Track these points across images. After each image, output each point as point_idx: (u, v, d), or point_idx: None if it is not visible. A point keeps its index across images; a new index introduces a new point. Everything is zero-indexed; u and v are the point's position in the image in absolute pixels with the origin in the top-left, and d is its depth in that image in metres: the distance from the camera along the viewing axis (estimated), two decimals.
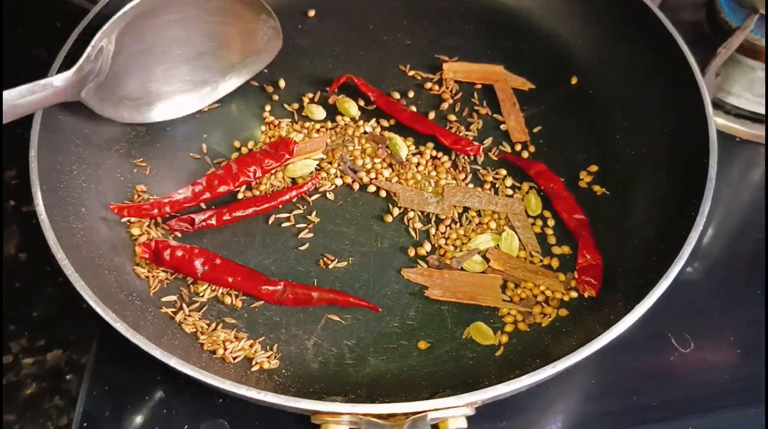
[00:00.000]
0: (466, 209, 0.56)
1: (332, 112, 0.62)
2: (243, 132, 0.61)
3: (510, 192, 0.57)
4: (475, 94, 0.63)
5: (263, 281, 0.51)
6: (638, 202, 0.55)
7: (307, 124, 0.61)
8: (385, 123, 0.61)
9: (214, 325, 0.51)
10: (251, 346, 0.50)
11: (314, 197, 0.57)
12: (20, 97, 0.47)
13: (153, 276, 0.52)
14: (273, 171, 0.57)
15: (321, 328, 0.51)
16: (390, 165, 0.58)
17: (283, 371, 0.49)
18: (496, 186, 0.57)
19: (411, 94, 0.63)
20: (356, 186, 0.58)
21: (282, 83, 0.63)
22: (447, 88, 0.63)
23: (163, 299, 0.51)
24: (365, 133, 0.60)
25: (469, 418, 0.42)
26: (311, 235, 0.55)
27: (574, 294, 0.52)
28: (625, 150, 0.58)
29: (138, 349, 0.43)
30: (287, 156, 0.57)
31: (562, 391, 0.53)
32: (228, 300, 0.52)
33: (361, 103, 0.62)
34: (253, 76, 0.62)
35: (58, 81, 0.50)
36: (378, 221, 0.56)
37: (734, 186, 0.65)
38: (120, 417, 0.50)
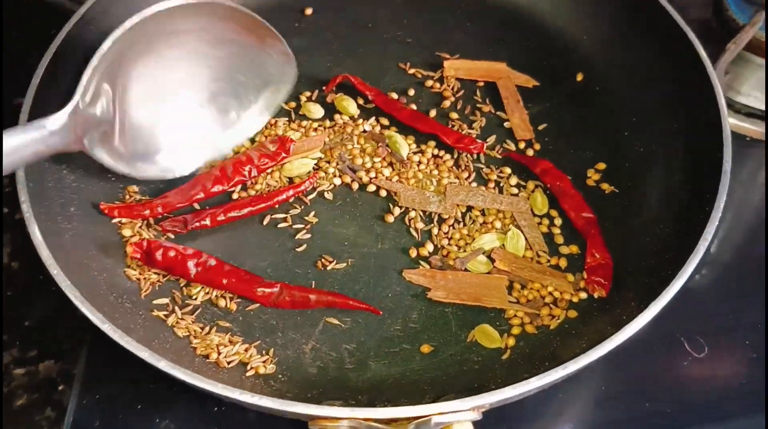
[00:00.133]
0: (469, 208, 0.54)
1: (331, 110, 0.60)
2: None
3: (515, 190, 0.55)
4: (478, 92, 0.61)
5: (259, 283, 0.49)
6: (649, 199, 0.53)
7: (304, 123, 0.59)
8: (385, 121, 0.59)
9: (207, 328, 0.49)
10: (246, 350, 0.48)
11: (311, 197, 0.55)
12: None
13: (144, 278, 0.50)
14: (269, 170, 0.55)
15: (319, 332, 0.49)
16: (390, 164, 0.56)
17: (280, 376, 0.47)
18: (501, 185, 0.56)
19: (411, 92, 0.61)
20: (355, 185, 0.56)
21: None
22: (448, 85, 0.61)
23: (155, 302, 0.49)
24: (364, 131, 0.58)
25: (475, 424, 0.40)
26: (309, 235, 0.53)
27: (583, 295, 0.50)
28: (634, 147, 0.56)
29: (129, 356, 0.41)
30: (284, 155, 0.55)
31: (571, 397, 0.51)
32: (222, 303, 0.50)
33: (360, 101, 0.60)
34: (274, 112, 0.58)
35: (51, 123, 0.44)
36: (378, 221, 0.54)
37: (745, 186, 0.63)
38: (111, 427, 0.48)
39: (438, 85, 0.61)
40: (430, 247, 0.52)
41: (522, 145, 0.58)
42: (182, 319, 0.49)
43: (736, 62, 0.65)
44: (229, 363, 0.47)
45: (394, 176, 0.56)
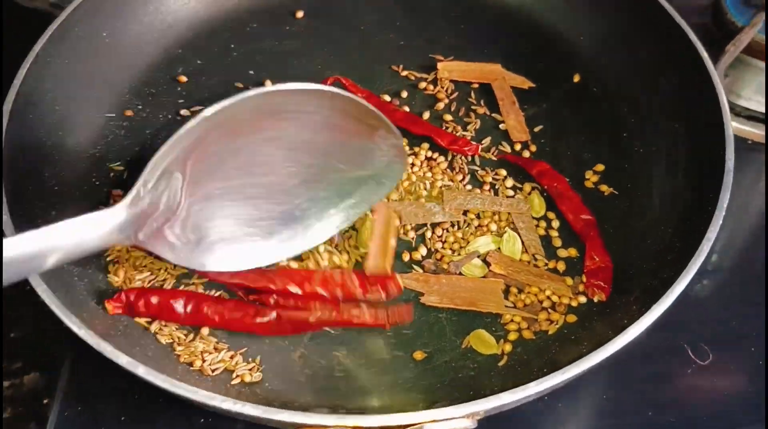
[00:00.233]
0: (464, 211, 0.52)
1: None
2: None
3: (511, 193, 0.54)
4: (472, 94, 0.60)
5: (254, 313, 0.46)
6: (649, 200, 0.52)
7: None
8: None
9: (192, 335, 0.47)
10: (232, 357, 0.46)
11: None
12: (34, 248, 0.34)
13: (127, 285, 0.49)
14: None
15: (308, 339, 0.47)
16: None
17: (267, 384, 0.45)
18: (496, 187, 0.54)
19: (404, 95, 0.60)
20: None
21: (268, 84, 0.60)
22: (442, 87, 0.60)
23: None
24: None
25: None
26: None
27: (582, 299, 0.48)
28: (633, 148, 0.55)
29: (112, 366, 0.39)
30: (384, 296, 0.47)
31: (571, 406, 0.49)
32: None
33: None
34: (364, 212, 0.49)
35: (105, 219, 0.35)
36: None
37: (748, 190, 0.62)
38: None
39: (432, 87, 0.60)
40: (423, 250, 0.51)
41: (518, 147, 0.56)
42: (166, 325, 0.47)
43: (735, 65, 0.64)
44: (213, 371, 0.45)
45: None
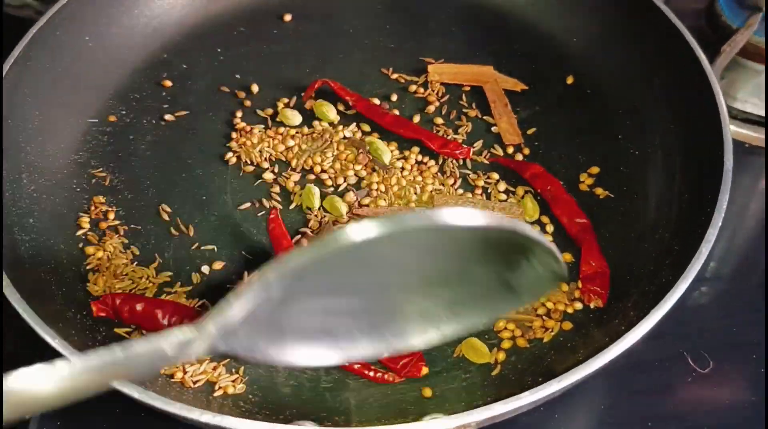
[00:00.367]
0: None
1: (310, 117, 0.57)
2: (212, 139, 0.56)
3: (503, 197, 0.52)
4: (464, 97, 0.58)
5: None
6: (646, 203, 0.50)
7: (281, 130, 0.56)
8: (366, 127, 0.56)
9: None
10: (214, 369, 0.44)
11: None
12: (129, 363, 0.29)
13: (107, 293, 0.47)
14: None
15: None
16: (374, 170, 0.53)
17: (250, 396, 0.43)
18: (488, 191, 0.52)
19: (394, 98, 0.58)
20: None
21: (255, 88, 0.59)
22: (433, 90, 0.58)
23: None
24: (345, 138, 0.55)
25: None
26: None
27: (578, 305, 0.47)
28: (629, 150, 0.54)
29: None
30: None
31: (568, 417, 0.47)
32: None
33: (341, 107, 0.57)
34: (480, 328, 0.43)
35: (185, 345, 0.29)
36: None
37: (746, 194, 0.61)
38: None
39: (422, 90, 0.59)
40: None
41: (510, 150, 0.55)
42: (146, 336, 0.45)
43: (730, 68, 0.63)
44: (195, 383, 0.43)
45: (380, 184, 0.52)
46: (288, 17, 0.64)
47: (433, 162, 0.54)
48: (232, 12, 0.64)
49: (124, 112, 0.57)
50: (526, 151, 0.55)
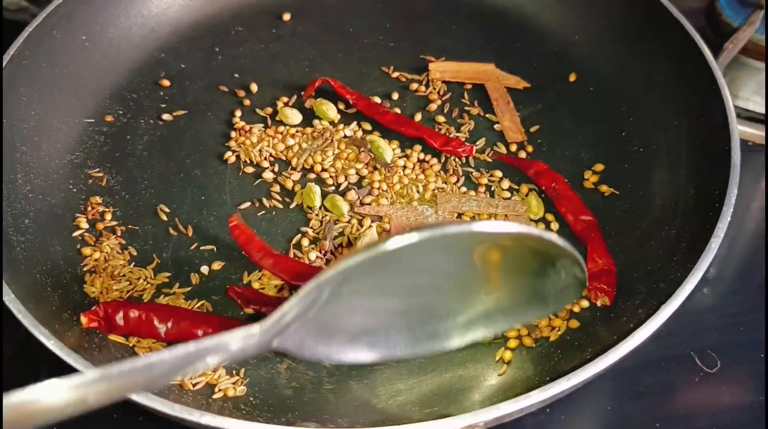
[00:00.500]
0: (459, 215, 0.50)
1: (310, 116, 0.56)
2: (211, 139, 0.55)
3: (507, 194, 0.51)
4: (466, 95, 0.58)
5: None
6: (652, 200, 0.50)
7: (281, 129, 0.55)
8: (367, 126, 0.55)
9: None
10: (214, 370, 0.43)
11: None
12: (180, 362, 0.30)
13: (104, 296, 0.46)
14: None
15: None
16: (375, 168, 0.53)
17: (251, 399, 0.42)
18: (492, 189, 0.52)
19: (395, 97, 0.58)
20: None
21: (254, 87, 0.58)
22: (434, 88, 0.58)
23: None
24: (345, 137, 0.54)
25: None
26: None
27: (585, 303, 0.46)
28: (633, 147, 0.53)
29: None
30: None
31: (575, 418, 0.47)
32: None
33: (342, 106, 0.57)
34: (506, 330, 0.44)
35: (249, 338, 0.32)
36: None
37: (748, 192, 0.60)
38: None
39: (423, 88, 0.58)
40: None
41: (513, 148, 0.54)
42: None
43: (732, 66, 0.63)
44: (195, 385, 0.42)
45: (381, 183, 0.52)
46: (287, 16, 0.63)
47: (435, 160, 0.53)
48: (230, 11, 0.63)
49: (121, 112, 0.56)
50: (530, 148, 0.54)
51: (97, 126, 0.55)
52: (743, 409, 0.47)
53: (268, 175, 0.53)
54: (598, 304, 0.46)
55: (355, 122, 0.55)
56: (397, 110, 0.56)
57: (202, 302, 0.46)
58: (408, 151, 0.54)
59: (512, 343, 0.44)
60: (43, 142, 0.52)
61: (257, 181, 0.53)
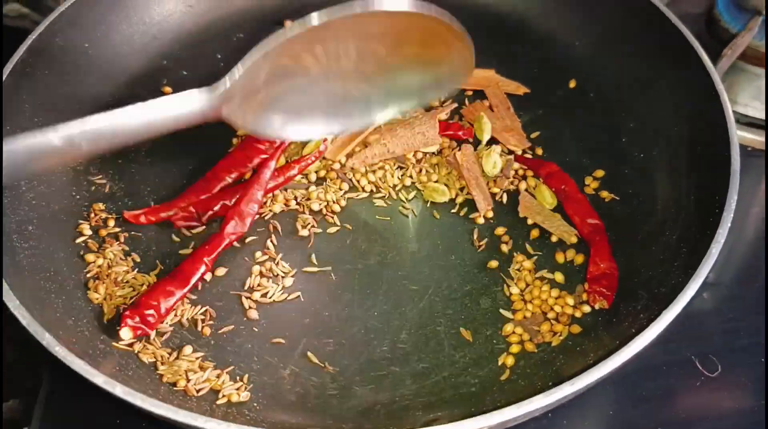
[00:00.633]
0: None
1: None
2: (213, 146, 0.55)
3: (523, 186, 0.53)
4: (467, 101, 0.58)
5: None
6: (653, 205, 0.50)
7: None
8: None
9: (176, 354, 0.44)
10: (218, 376, 0.43)
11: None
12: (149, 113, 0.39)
13: (108, 302, 0.46)
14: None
15: (299, 355, 0.44)
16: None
17: (255, 405, 0.42)
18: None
19: None
20: (342, 202, 0.52)
21: None
22: None
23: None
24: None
25: None
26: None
27: (586, 308, 0.46)
28: (633, 153, 0.54)
29: (91, 389, 0.37)
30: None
31: (577, 424, 0.47)
32: (187, 324, 0.46)
33: None
34: (417, 105, 0.49)
35: (199, 99, 0.40)
36: (362, 236, 0.50)
37: (748, 197, 0.60)
38: None
39: None
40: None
41: (519, 151, 0.55)
42: (149, 343, 0.44)
43: (731, 72, 0.63)
44: (198, 391, 0.42)
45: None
46: (288, 23, 0.63)
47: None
48: (231, 19, 0.64)
49: None
50: (529, 155, 0.55)
51: None
52: (744, 413, 0.48)
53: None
54: (597, 307, 0.46)
55: None
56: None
57: (205, 308, 0.46)
58: None
59: (515, 349, 0.45)
60: None
61: None
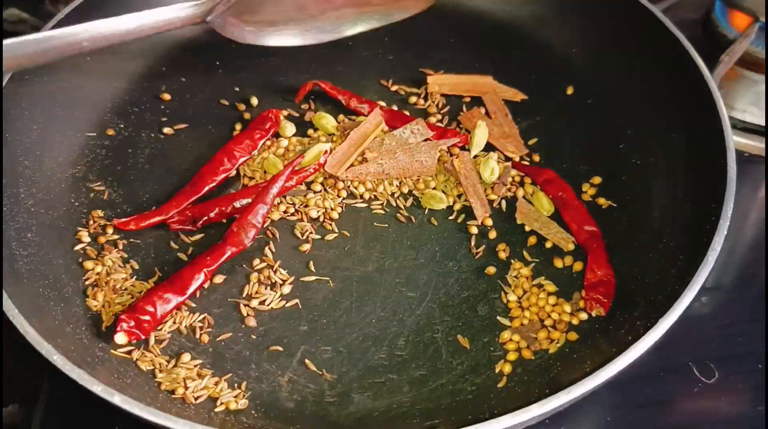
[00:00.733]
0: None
1: (305, 127, 0.57)
2: (211, 152, 0.55)
3: (520, 192, 0.53)
4: (464, 108, 0.58)
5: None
6: (650, 212, 0.50)
7: (282, 142, 0.56)
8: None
9: (174, 361, 0.44)
10: (216, 384, 0.43)
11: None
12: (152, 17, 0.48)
13: (106, 309, 0.46)
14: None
15: (297, 363, 0.45)
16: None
17: (253, 412, 0.42)
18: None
19: (394, 109, 0.58)
20: (340, 209, 0.52)
21: (254, 101, 0.59)
22: (433, 101, 0.58)
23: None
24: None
25: None
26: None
27: (583, 315, 0.46)
28: (631, 160, 0.54)
29: (89, 397, 0.37)
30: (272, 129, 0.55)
31: None
32: (185, 331, 0.46)
33: (341, 117, 0.57)
34: (385, 23, 0.58)
35: (186, 8, 0.50)
36: (360, 242, 0.51)
37: (746, 203, 0.60)
38: None
39: (422, 101, 0.59)
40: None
41: (517, 158, 0.55)
42: (148, 351, 0.44)
43: (729, 78, 0.64)
44: (196, 398, 0.42)
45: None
46: None
47: None
48: None
49: (122, 126, 0.57)
50: (526, 162, 0.55)
51: (98, 139, 0.56)
52: (742, 420, 0.48)
53: None
54: (593, 314, 0.46)
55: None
56: None
57: (203, 315, 0.46)
58: None
59: (512, 356, 0.45)
60: (45, 156, 0.52)
61: None
